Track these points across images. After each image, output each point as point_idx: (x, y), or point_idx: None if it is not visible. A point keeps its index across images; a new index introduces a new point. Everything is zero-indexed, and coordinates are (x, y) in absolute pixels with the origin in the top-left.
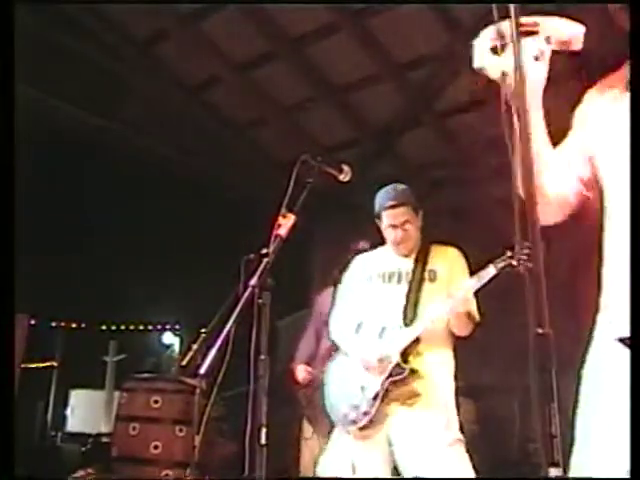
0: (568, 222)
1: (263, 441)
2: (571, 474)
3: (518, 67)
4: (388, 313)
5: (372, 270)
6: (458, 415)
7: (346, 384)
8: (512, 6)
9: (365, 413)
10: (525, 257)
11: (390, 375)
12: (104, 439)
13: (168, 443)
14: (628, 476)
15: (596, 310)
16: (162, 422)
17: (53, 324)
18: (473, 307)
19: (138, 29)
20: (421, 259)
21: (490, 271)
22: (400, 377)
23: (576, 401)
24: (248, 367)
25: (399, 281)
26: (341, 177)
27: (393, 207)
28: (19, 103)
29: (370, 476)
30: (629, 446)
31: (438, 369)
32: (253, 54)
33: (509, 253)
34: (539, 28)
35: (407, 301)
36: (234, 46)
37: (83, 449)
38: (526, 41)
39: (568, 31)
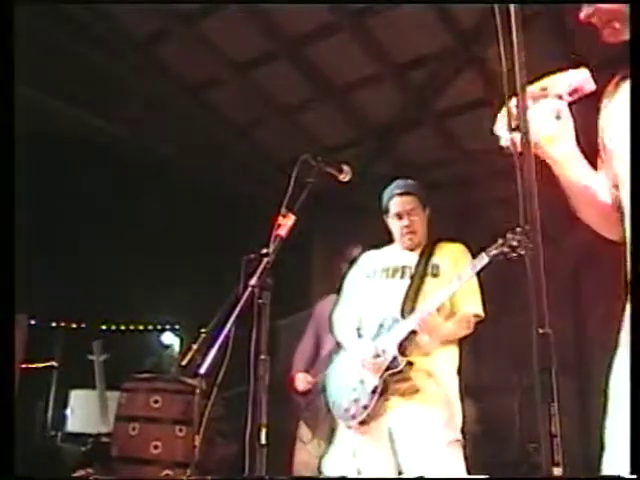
0: (568, 222)
1: (263, 441)
2: None
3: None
4: (389, 307)
5: (377, 265)
6: (464, 416)
7: (347, 379)
8: (512, 6)
9: (364, 407)
10: (516, 244)
11: (388, 368)
12: (104, 439)
13: (168, 443)
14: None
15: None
16: (162, 422)
17: (53, 324)
18: (472, 306)
19: (138, 29)
20: (426, 254)
21: (483, 259)
22: (397, 369)
23: (604, 408)
24: (248, 367)
25: (402, 276)
26: (341, 177)
27: (400, 195)
28: (19, 103)
29: (372, 470)
30: (629, 446)
31: (441, 365)
32: (253, 54)
33: (501, 241)
34: (547, 91)
35: (407, 295)
36: (234, 46)
37: (83, 449)
38: (540, 105)
39: (574, 81)
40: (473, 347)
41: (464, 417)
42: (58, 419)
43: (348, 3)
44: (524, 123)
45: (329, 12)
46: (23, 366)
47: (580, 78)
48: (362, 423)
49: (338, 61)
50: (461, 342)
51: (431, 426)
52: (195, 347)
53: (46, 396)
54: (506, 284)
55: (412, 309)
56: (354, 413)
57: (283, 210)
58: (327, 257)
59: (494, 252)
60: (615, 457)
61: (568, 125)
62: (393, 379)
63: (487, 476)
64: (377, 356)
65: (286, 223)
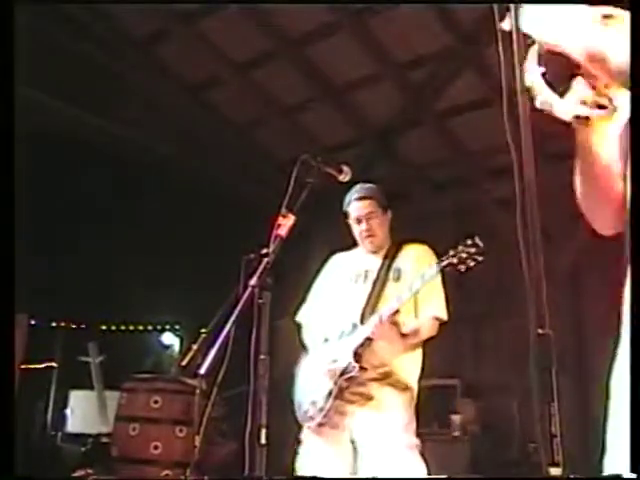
0: (571, 222)
1: (263, 441)
2: None
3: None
4: (350, 313)
5: (342, 269)
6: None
7: (308, 383)
8: (512, 6)
9: (320, 409)
10: (465, 256)
11: (342, 373)
12: (104, 439)
13: (168, 443)
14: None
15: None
16: (162, 422)
17: (53, 324)
18: (433, 309)
19: (138, 29)
20: (389, 257)
21: (432, 270)
22: (350, 375)
23: (605, 410)
24: (248, 367)
25: (365, 281)
26: (341, 177)
27: (358, 199)
28: (19, 103)
29: (326, 472)
30: (629, 446)
31: (401, 368)
32: (253, 54)
33: (451, 252)
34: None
35: (367, 300)
36: (234, 46)
37: (83, 449)
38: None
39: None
40: (474, 347)
41: (464, 417)
42: (58, 419)
43: (348, 3)
44: (524, 125)
45: (329, 12)
46: (23, 366)
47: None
48: (320, 425)
49: (338, 61)
50: (424, 344)
51: (389, 431)
52: (195, 347)
53: (46, 396)
54: (506, 284)
55: (372, 314)
56: (312, 415)
57: (283, 210)
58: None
59: (444, 264)
60: (618, 459)
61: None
62: (349, 384)
63: (487, 476)
64: (334, 361)
65: (286, 223)
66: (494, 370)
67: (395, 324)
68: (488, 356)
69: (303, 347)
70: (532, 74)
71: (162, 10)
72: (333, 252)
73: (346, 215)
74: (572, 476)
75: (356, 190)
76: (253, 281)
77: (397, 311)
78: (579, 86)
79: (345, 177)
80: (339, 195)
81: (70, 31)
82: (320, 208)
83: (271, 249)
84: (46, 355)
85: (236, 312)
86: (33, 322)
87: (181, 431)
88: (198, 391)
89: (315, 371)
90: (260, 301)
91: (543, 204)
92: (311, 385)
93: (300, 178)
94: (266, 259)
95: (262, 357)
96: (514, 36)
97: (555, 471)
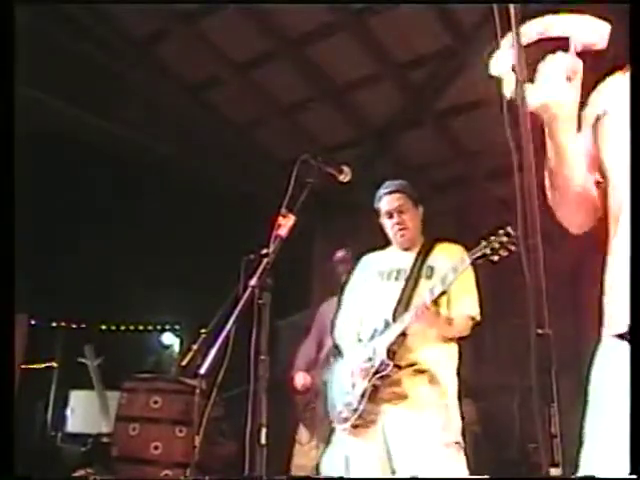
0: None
1: (263, 441)
2: (580, 475)
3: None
4: (383, 311)
5: (374, 268)
6: (463, 418)
7: (342, 384)
8: (512, 6)
9: (354, 410)
10: (498, 246)
11: (376, 372)
12: (104, 439)
13: (168, 443)
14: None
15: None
16: (162, 422)
17: (53, 324)
18: (465, 307)
19: (138, 29)
20: (421, 255)
21: (465, 261)
22: (384, 373)
23: (584, 405)
24: (248, 367)
25: (397, 278)
26: (341, 177)
27: (389, 193)
28: (19, 103)
29: (364, 473)
30: (629, 446)
31: (438, 366)
32: (253, 54)
33: (484, 243)
34: (554, 30)
35: (400, 298)
36: (234, 46)
37: (83, 449)
38: (556, 58)
39: (596, 33)
40: (474, 347)
41: (463, 418)
42: (58, 419)
43: (348, 3)
44: (524, 125)
45: (329, 12)
46: (23, 366)
47: (602, 32)
48: (355, 427)
49: (338, 61)
50: (460, 344)
51: (426, 430)
52: (195, 347)
53: (46, 396)
54: (506, 284)
55: (405, 312)
56: (346, 416)
57: (283, 210)
58: (327, 257)
59: (477, 254)
60: (594, 453)
61: (576, 94)
62: (383, 383)
63: (487, 476)
64: (369, 360)
65: (286, 223)
66: (494, 370)
67: (431, 310)
68: (488, 356)
69: (337, 349)
70: (500, 65)
71: (162, 10)
72: (363, 253)
73: (377, 213)
74: (572, 476)
75: (386, 185)
76: (253, 281)
77: (432, 303)
78: (546, 69)
79: (345, 177)
80: (339, 195)
81: (70, 31)
82: (320, 208)
83: (271, 249)
84: (46, 355)
85: (236, 312)
86: (33, 322)
87: (181, 431)
88: (198, 391)
89: (348, 372)
90: (260, 301)
91: (543, 204)
92: (344, 386)
93: (300, 178)
94: (266, 259)
95: (262, 357)
96: (514, 36)
97: (555, 471)
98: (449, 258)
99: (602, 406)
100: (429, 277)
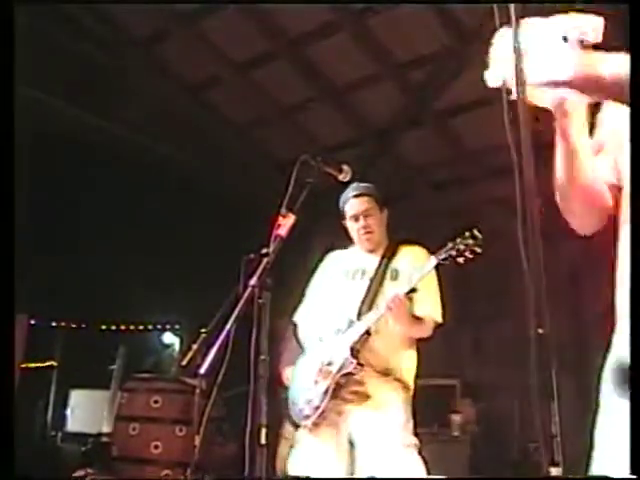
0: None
1: (263, 441)
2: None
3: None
4: (347, 309)
5: (340, 267)
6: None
7: (304, 380)
8: (512, 6)
9: (316, 407)
10: (464, 248)
11: (339, 370)
12: (104, 439)
13: (168, 443)
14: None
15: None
16: (162, 422)
17: (53, 324)
18: (427, 310)
19: (138, 29)
20: (386, 257)
21: (431, 262)
22: (346, 371)
23: (595, 410)
24: (248, 367)
25: (362, 278)
26: (341, 177)
27: (355, 197)
28: (19, 103)
29: (321, 471)
30: (629, 446)
31: (399, 369)
32: (253, 54)
33: (450, 244)
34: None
35: (365, 296)
36: (234, 46)
37: (83, 449)
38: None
39: (587, 25)
40: (474, 347)
41: (463, 417)
42: (58, 419)
43: (348, 3)
44: (524, 125)
45: (329, 12)
46: (23, 366)
47: (594, 24)
48: (316, 424)
49: (338, 61)
50: (418, 347)
51: (388, 430)
52: (195, 347)
53: (46, 396)
54: (506, 284)
55: (369, 311)
56: (307, 414)
57: (283, 210)
58: (323, 255)
59: (442, 256)
60: (606, 456)
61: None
62: (345, 381)
63: (444, 476)
64: (330, 358)
65: (286, 223)
66: (494, 370)
67: (404, 301)
68: (488, 356)
69: (300, 346)
70: (498, 70)
71: (162, 10)
72: (329, 250)
73: (342, 215)
74: (572, 476)
75: (352, 188)
76: (253, 281)
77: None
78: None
79: (345, 177)
80: (339, 195)
81: (70, 31)
82: (320, 208)
83: (271, 249)
84: (46, 355)
85: (236, 312)
86: (33, 322)
87: (181, 431)
88: (198, 391)
89: (311, 369)
90: (260, 301)
91: (543, 204)
92: (306, 383)
93: (300, 178)
94: (266, 259)
95: (262, 357)
96: (513, 36)
97: (555, 471)
98: (414, 260)
99: (614, 414)
100: (394, 279)
